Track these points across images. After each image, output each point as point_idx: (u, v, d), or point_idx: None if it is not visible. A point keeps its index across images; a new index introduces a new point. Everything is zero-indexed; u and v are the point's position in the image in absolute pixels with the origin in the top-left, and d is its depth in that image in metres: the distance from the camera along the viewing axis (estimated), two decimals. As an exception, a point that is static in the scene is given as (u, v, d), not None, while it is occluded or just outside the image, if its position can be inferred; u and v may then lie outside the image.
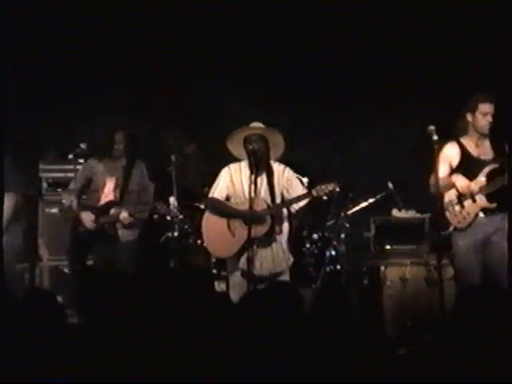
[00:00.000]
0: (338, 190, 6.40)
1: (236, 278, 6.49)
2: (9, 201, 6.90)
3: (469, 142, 6.37)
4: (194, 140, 7.94)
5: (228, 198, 6.65)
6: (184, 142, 7.83)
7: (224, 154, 6.75)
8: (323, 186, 6.38)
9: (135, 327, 3.64)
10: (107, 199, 6.90)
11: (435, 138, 6.03)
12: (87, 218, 6.86)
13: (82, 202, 6.97)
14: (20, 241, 7.10)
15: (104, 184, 6.94)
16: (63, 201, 7.18)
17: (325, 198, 6.48)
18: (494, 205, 6.25)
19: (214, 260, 7.50)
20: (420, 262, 7.09)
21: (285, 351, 3.51)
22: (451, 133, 6.41)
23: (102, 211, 6.86)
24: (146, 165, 7.00)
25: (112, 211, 6.86)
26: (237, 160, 6.73)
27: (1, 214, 6.43)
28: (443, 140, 6.23)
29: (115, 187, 6.91)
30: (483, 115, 6.30)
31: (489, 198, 6.27)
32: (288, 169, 6.66)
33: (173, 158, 7.54)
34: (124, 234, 6.86)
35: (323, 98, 8.30)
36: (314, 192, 6.41)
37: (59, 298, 5.75)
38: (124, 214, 6.81)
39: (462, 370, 3.36)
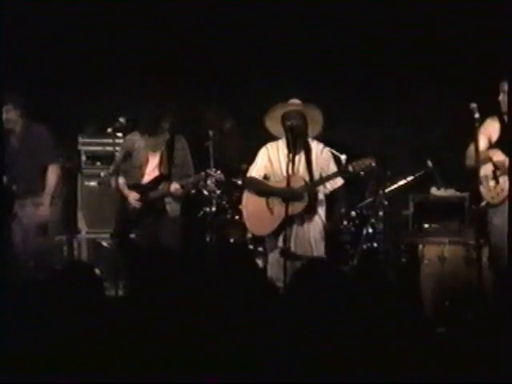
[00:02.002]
0: (374, 164, 6.35)
1: (274, 256, 6.51)
2: (52, 173, 6.98)
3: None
4: (232, 116, 7.93)
5: (267, 177, 6.64)
6: (222, 118, 7.82)
7: (262, 131, 6.73)
8: (359, 162, 6.34)
9: (174, 301, 3.66)
10: (153, 175, 6.90)
11: (477, 115, 5.94)
12: (133, 196, 6.86)
13: (127, 182, 6.96)
14: (59, 213, 7.19)
15: (147, 160, 6.93)
16: (101, 173, 7.22)
17: (362, 173, 6.44)
18: None
19: (249, 236, 7.51)
20: (459, 241, 7.02)
21: (321, 328, 3.50)
22: (493, 111, 6.33)
23: (150, 187, 6.86)
24: (186, 139, 7.01)
25: (160, 186, 6.86)
26: (274, 138, 6.71)
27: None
28: (484, 118, 6.15)
29: (160, 162, 6.90)
30: (502, 92, 6.20)
31: None
32: (327, 149, 6.62)
33: (211, 133, 7.53)
34: (172, 209, 6.88)
35: (361, 76, 8.23)
36: (349, 167, 6.37)
37: (97, 271, 5.82)
38: (176, 186, 6.81)
39: (501, 349, 3.33)
